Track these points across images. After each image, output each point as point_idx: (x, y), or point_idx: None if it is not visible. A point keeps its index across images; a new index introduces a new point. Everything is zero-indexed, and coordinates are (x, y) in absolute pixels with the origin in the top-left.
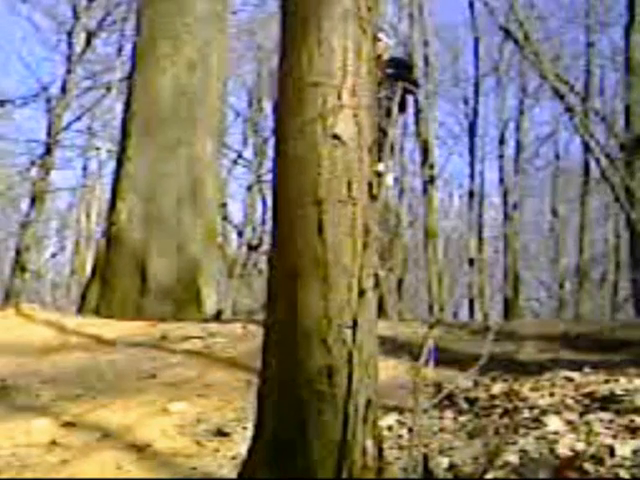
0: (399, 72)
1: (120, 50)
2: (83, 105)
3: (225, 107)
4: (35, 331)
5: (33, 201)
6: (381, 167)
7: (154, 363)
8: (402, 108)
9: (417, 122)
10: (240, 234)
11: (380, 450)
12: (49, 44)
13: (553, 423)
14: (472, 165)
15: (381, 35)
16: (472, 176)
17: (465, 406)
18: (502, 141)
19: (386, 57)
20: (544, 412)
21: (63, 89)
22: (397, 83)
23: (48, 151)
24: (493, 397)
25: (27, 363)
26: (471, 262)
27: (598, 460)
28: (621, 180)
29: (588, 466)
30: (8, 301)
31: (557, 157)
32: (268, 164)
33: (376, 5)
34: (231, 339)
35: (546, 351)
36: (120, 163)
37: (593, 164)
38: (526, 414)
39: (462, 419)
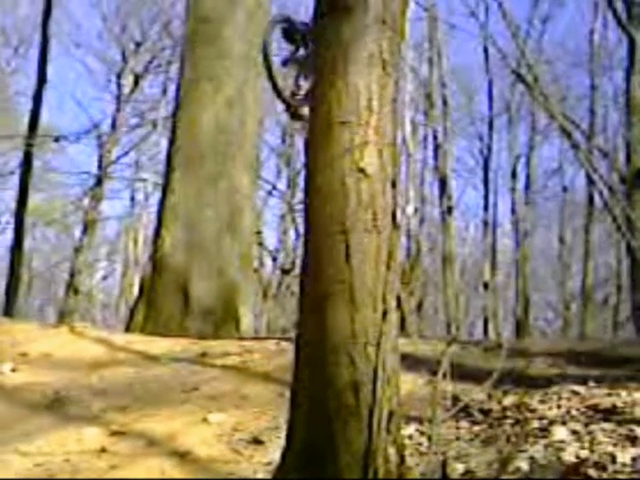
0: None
1: (165, 90)
2: (131, 141)
3: (261, 143)
4: (86, 347)
5: (85, 228)
6: (410, 209)
7: (195, 377)
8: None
9: (436, 157)
10: (274, 259)
11: (402, 457)
12: (100, 85)
13: (560, 432)
14: (486, 197)
15: None
16: (486, 207)
17: (479, 417)
18: (514, 175)
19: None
20: (552, 422)
21: (113, 126)
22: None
23: (99, 183)
24: (505, 408)
25: (79, 377)
26: (485, 285)
27: (601, 467)
28: (622, 211)
29: (592, 472)
30: (62, 320)
31: (564, 189)
32: (300, 195)
33: (398, 50)
34: (266, 355)
35: (553, 367)
36: (165, 194)
37: (597, 196)
38: (535, 424)
39: (476, 428)
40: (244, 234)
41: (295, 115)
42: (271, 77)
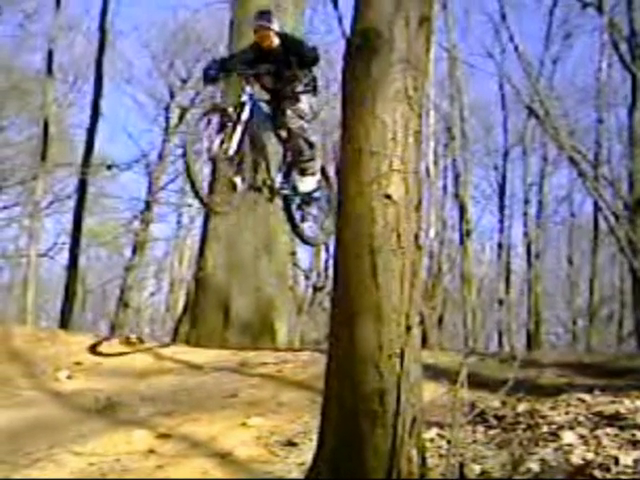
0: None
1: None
2: (177, 169)
3: None
4: (136, 358)
5: (135, 249)
6: (431, 232)
7: (235, 385)
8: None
9: (456, 185)
10: (307, 278)
11: (423, 458)
12: (149, 118)
13: (568, 437)
14: (501, 221)
15: (261, 22)
16: (501, 230)
17: (494, 422)
18: (526, 201)
19: (276, 43)
20: (560, 427)
21: (160, 156)
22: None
23: (148, 207)
24: (518, 415)
25: (129, 384)
26: (500, 302)
27: (605, 468)
28: (625, 234)
29: (597, 473)
30: (113, 332)
31: (572, 215)
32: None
33: (422, 87)
34: (300, 365)
35: (562, 377)
36: (207, 218)
37: (602, 221)
38: (545, 429)
39: (492, 433)
40: (279, 255)
41: (212, 210)
42: (190, 176)
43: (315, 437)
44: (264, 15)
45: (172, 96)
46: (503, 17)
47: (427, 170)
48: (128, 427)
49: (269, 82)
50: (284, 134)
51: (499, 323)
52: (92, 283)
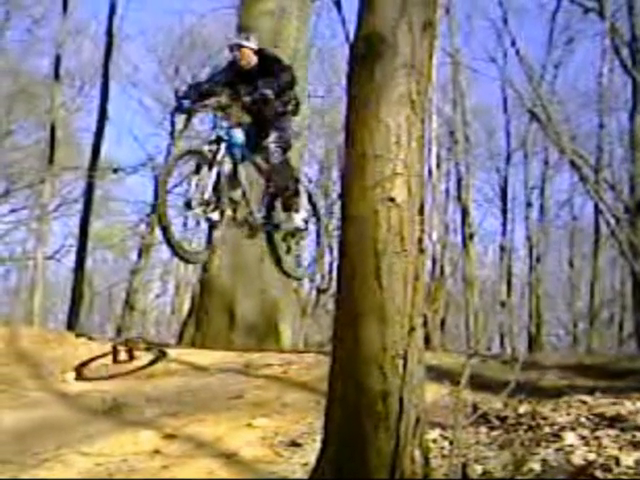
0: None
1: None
2: (182, 172)
3: (300, 174)
4: (140, 359)
5: (141, 252)
6: (434, 235)
7: (240, 386)
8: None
9: (458, 188)
10: (311, 280)
11: (426, 459)
12: (155, 122)
13: (569, 438)
14: (503, 224)
15: (238, 40)
16: (503, 233)
17: (497, 423)
18: (528, 205)
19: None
20: (562, 428)
21: (166, 159)
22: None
23: (154, 210)
24: (520, 416)
25: (135, 385)
26: (502, 304)
27: (606, 469)
28: (626, 237)
29: (598, 473)
30: (119, 335)
31: (574, 218)
32: (335, 222)
33: (425, 92)
34: (304, 366)
35: (563, 378)
36: None
37: (603, 224)
38: (547, 430)
39: (494, 434)
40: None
41: (184, 260)
42: (161, 222)
43: (319, 438)
44: (241, 33)
45: None
46: (505, 22)
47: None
48: (134, 428)
49: (249, 102)
50: (266, 167)
51: (501, 325)
52: (99, 285)
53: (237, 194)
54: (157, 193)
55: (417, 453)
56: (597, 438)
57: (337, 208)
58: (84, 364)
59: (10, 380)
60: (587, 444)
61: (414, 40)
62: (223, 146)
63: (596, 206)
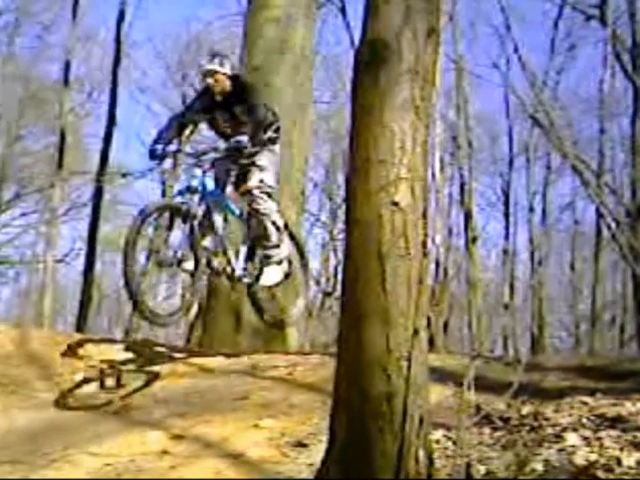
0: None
1: None
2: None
3: (306, 179)
4: (148, 360)
5: (149, 255)
6: (438, 239)
7: (247, 387)
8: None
9: (462, 193)
10: (317, 283)
11: (430, 459)
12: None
13: (571, 438)
14: (506, 228)
15: (210, 66)
16: (506, 237)
17: (500, 424)
18: (531, 209)
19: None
20: (564, 429)
21: (174, 164)
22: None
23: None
24: (522, 417)
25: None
26: (505, 307)
27: (608, 469)
28: (627, 241)
29: (600, 474)
30: (127, 336)
31: (575, 222)
32: (340, 226)
33: (429, 96)
34: (310, 368)
35: (566, 380)
36: None
37: (605, 228)
38: (549, 431)
39: (497, 434)
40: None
41: (154, 323)
42: (128, 285)
43: (325, 438)
44: (214, 58)
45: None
46: (508, 29)
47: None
48: (142, 428)
49: (228, 129)
50: (247, 212)
51: (504, 327)
52: (107, 288)
53: (213, 243)
54: (124, 252)
55: (421, 453)
56: (599, 439)
57: (342, 212)
58: (70, 390)
59: (20, 381)
60: (589, 445)
61: (418, 46)
62: (197, 197)
63: (597, 210)
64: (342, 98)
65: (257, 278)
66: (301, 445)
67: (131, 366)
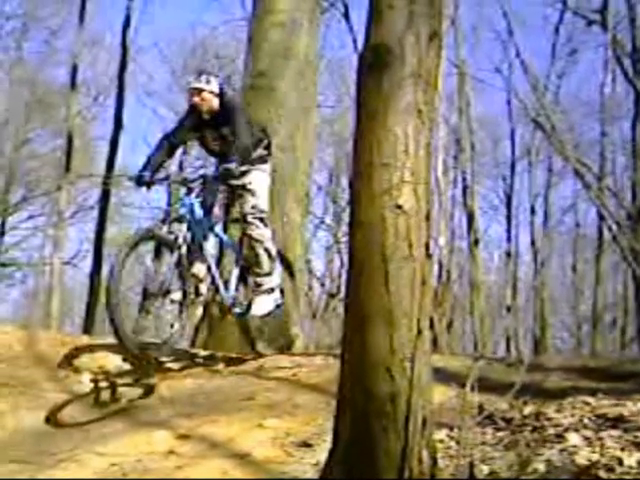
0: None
1: None
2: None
3: (310, 182)
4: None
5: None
6: (441, 241)
7: (252, 388)
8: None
9: (464, 195)
10: (322, 284)
11: (434, 459)
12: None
13: (573, 438)
14: (508, 230)
15: (195, 84)
16: (509, 239)
17: (502, 424)
18: (533, 211)
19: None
20: (566, 429)
21: (180, 167)
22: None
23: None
24: (525, 417)
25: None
26: (507, 308)
27: (610, 469)
28: (628, 243)
29: (602, 474)
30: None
31: (577, 224)
32: (344, 228)
33: (432, 100)
34: (314, 369)
35: (567, 380)
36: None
37: (606, 230)
38: (551, 431)
39: (500, 434)
40: (295, 262)
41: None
42: (113, 321)
43: (329, 438)
44: (201, 75)
45: None
46: (510, 34)
47: (437, 181)
48: (148, 428)
49: (217, 147)
50: (239, 238)
51: (506, 328)
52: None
53: (201, 270)
54: (109, 286)
55: (425, 453)
56: (600, 439)
57: (346, 215)
58: (61, 407)
59: (28, 382)
60: (590, 445)
61: (421, 51)
62: (184, 226)
63: (599, 212)
64: (346, 102)
65: (248, 308)
66: (306, 445)
67: (128, 378)
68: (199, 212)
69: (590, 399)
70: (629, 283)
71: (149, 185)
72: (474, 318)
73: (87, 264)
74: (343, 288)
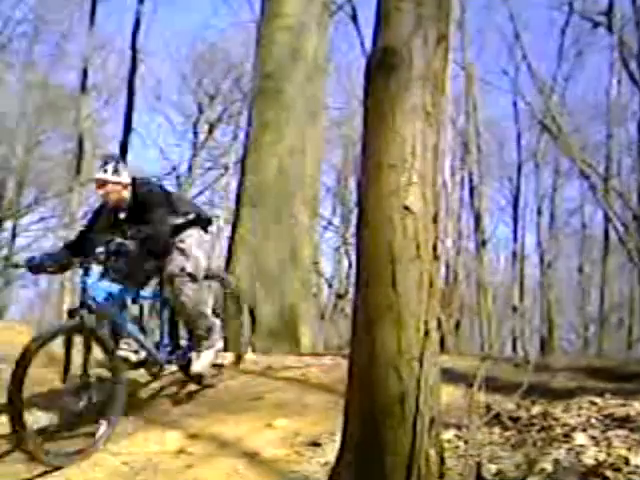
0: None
1: (235, 137)
2: (205, 182)
3: (318, 184)
4: None
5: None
6: (448, 242)
7: (261, 388)
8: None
9: (471, 197)
10: (330, 285)
11: (442, 458)
12: (178, 133)
13: (580, 438)
14: (515, 231)
15: (99, 175)
16: (515, 240)
17: (509, 424)
18: (539, 212)
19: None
20: (573, 429)
21: (189, 169)
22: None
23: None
24: (532, 417)
25: (160, 387)
26: (514, 309)
27: (616, 468)
28: (635, 244)
29: (608, 473)
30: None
31: (583, 226)
32: (352, 229)
33: (439, 102)
34: (323, 369)
35: (574, 380)
36: (234, 228)
37: (612, 231)
38: (558, 431)
39: (507, 434)
40: (304, 263)
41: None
42: (15, 427)
43: (338, 438)
44: (107, 164)
45: (201, 112)
46: (517, 36)
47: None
48: (160, 427)
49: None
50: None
51: (513, 329)
52: None
53: (126, 344)
54: (10, 394)
55: (433, 453)
56: (607, 439)
57: (354, 216)
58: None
59: (40, 381)
60: (597, 444)
61: (428, 53)
62: (94, 307)
63: (605, 214)
64: (354, 104)
65: (187, 366)
66: (315, 444)
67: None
68: (103, 288)
69: (597, 399)
70: (635, 284)
71: (38, 271)
72: (481, 319)
73: None
74: (351, 289)
